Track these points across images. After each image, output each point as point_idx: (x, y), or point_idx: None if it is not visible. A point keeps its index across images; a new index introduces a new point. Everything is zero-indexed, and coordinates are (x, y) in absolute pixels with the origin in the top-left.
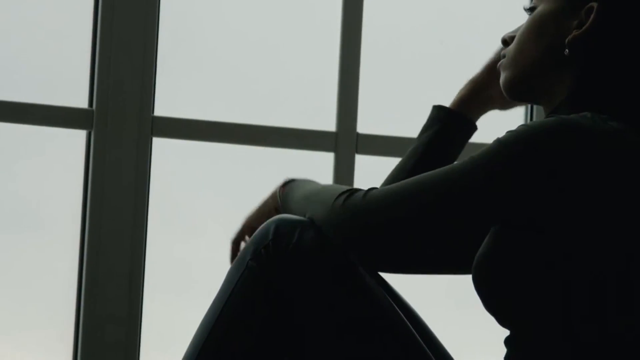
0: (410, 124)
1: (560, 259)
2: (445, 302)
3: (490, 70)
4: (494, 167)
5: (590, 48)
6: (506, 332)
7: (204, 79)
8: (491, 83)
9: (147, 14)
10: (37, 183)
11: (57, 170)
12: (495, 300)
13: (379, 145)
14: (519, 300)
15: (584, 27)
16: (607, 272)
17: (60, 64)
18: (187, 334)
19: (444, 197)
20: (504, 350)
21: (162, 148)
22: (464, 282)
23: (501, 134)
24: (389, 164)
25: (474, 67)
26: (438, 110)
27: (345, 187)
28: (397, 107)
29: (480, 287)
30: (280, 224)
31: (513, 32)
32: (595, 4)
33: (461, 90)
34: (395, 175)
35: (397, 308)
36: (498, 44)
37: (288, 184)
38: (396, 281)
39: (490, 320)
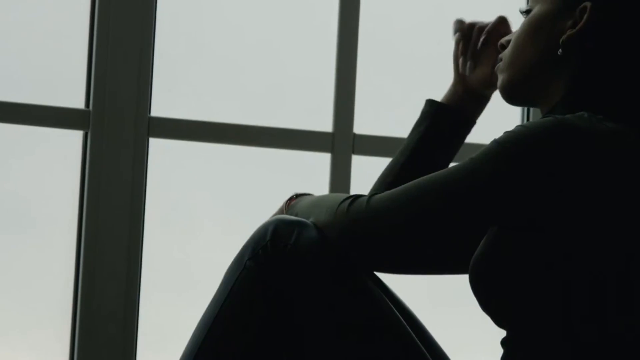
0: (407, 125)
1: (560, 259)
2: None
3: (455, 64)
4: (492, 168)
5: (584, 47)
6: (502, 333)
7: (200, 80)
8: (459, 79)
9: (143, 15)
10: (34, 183)
11: (54, 171)
12: (492, 300)
13: (376, 145)
14: (518, 301)
15: (577, 27)
16: (607, 272)
17: (57, 64)
18: (184, 334)
19: (444, 199)
20: (500, 350)
21: (159, 148)
22: (460, 282)
23: (498, 134)
24: (385, 164)
25: None
26: (429, 105)
27: (348, 194)
28: (394, 108)
29: (478, 288)
30: (279, 224)
31: (509, 35)
32: (588, 4)
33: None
34: (387, 174)
35: (394, 308)
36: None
37: (295, 199)
38: (393, 281)
39: (487, 320)
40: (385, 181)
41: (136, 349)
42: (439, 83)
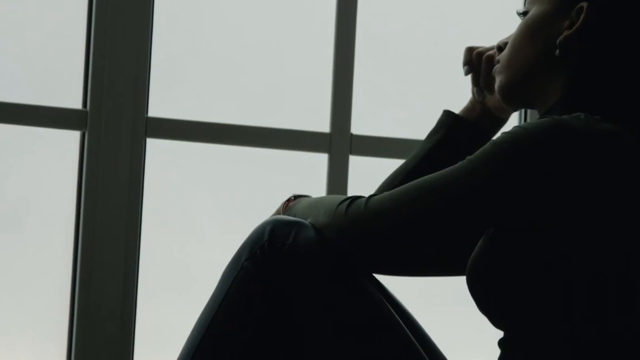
0: (404, 125)
1: (558, 260)
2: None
3: (473, 86)
4: (490, 169)
5: (581, 48)
6: (499, 333)
7: (198, 80)
8: (478, 100)
9: (141, 15)
10: (31, 183)
11: (51, 171)
12: (490, 301)
13: (373, 146)
14: (516, 301)
15: (574, 27)
16: (606, 272)
17: (54, 64)
18: (182, 334)
19: (443, 200)
20: (497, 351)
21: (156, 149)
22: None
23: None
24: (383, 165)
25: None
26: (446, 115)
27: (347, 196)
28: (391, 108)
29: (475, 289)
30: (276, 224)
31: (506, 38)
32: (585, 4)
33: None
34: (395, 177)
35: (391, 309)
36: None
37: (293, 200)
38: (391, 282)
39: (484, 320)
40: (391, 185)
41: (133, 349)
42: (437, 83)
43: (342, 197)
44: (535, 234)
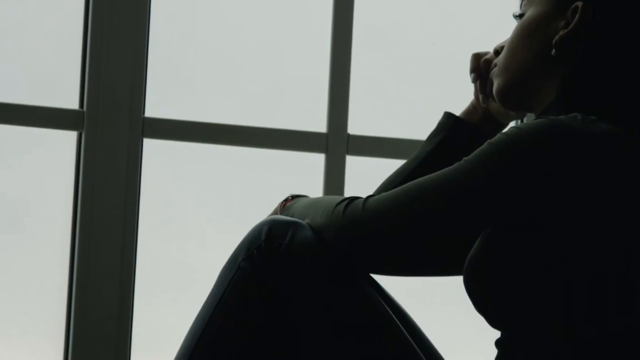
0: (401, 126)
1: (556, 260)
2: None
3: (476, 90)
4: (486, 170)
5: (576, 47)
6: (496, 333)
7: (194, 81)
8: (480, 104)
9: (137, 15)
10: (28, 184)
11: (48, 171)
12: (488, 301)
13: (370, 146)
14: (514, 301)
15: (569, 27)
16: (605, 272)
17: (51, 64)
18: (179, 335)
19: (440, 201)
20: (494, 350)
21: (153, 149)
22: (453, 282)
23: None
24: (379, 165)
25: (466, 68)
26: (447, 117)
27: (344, 197)
28: (388, 109)
29: (473, 289)
30: (273, 224)
31: (503, 42)
32: (580, 3)
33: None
34: (394, 178)
35: (388, 309)
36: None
37: (290, 200)
38: (388, 282)
39: (481, 320)
40: (390, 186)
41: (131, 349)
42: (435, 83)
43: (340, 197)
44: (532, 234)
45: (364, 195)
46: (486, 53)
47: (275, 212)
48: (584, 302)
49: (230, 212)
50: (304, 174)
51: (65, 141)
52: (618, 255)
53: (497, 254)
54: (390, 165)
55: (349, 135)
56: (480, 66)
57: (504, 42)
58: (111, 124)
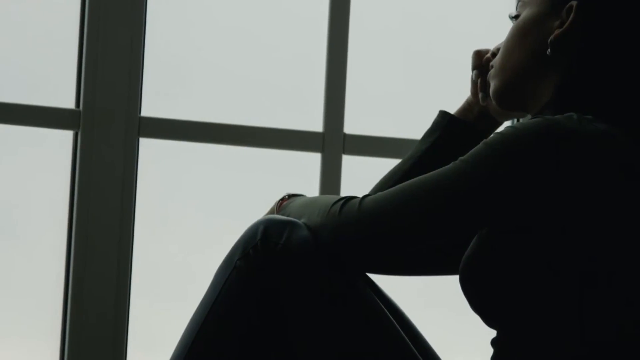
0: (397, 125)
1: (553, 259)
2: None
3: (472, 84)
4: (482, 170)
5: (571, 46)
6: (492, 333)
7: (190, 80)
8: (477, 101)
9: (134, 15)
10: (24, 183)
11: (43, 171)
12: (483, 301)
13: (366, 145)
14: (509, 301)
15: (564, 26)
16: (599, 272)
17: (47, 64)
18: (175, 335)
19: (436, 201)
20: (490, 350)
21: (149, 148)
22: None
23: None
24: (376, 164)
25: (461, 67)
26: (442, 116)
27: (341, 196)
28: (384, 108)
29: (468, 289)
30: (269, 224)
31: (500, 44)
32: (574, 3)
33: (466, 99)
34: (390, 178)
35: (384, 308)
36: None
37: (287, 199)
38: (384, 281)
39: (477, 320)
40: (386, 186)
41: (127, 350)
42: (431, 83)
43: (336, 197)
44: (528, 235)
45: (360, 195)
46: (487, 50)
47: (271, 212)
48: (576, 302)
49: (226, 212)
50: (300, 173)
51: (61, 141)
52: (611, 256)
53: (493, 254)
54: (387, 165)
55: (345, 134)
56: (483, 64)
57: (500, 44)
58: (107, 124)
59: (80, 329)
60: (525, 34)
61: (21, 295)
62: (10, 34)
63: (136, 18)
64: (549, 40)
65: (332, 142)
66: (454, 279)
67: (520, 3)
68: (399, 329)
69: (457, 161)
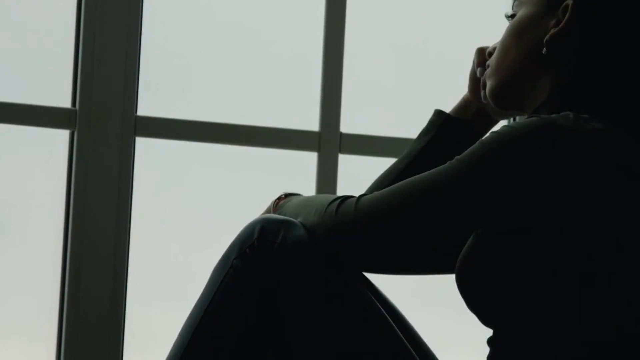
0: (393, 124)
1: (550, 259)
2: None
3: (471, 83)
4: (479, 169)
5: (567, 46)
6: (488, 332)
7: (186, 79)
8: (474, 98)
9: (129, 14)
10: (19, 182)
11: (40, 170)
12: (480, 300)
13: (362, 144)
14: (505, 301)
15: (560, 25)
16: (595, 272)
17: (43, 63)
18: (171, 335)
19: (433, 201)
20: (486, 349)
21: (146, 148)
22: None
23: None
24: (372, 163)
25: (457, 66)
26: (437, 115)
27: (337, 195)
28: (381, 107)
29: (464, 288)
30: (266, 223)
31: (496, 44)
32: (570, 2)
33: (462, 97)
34: (385, 177)
35: (381, 307)
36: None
37: (283, 199)
38: (381, 280)
39: (473, 319)
40: (382, 185)
41: (123, 350)
42: (427, 82)
43: (333, 196)
44: (525, 234)
45: (357, 194)
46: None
47: (268, 211)
48: (573, 302)
49: (222, 211)
50: (297, 173)
51: (57, 140)
52: (613, 255)
53: (490, 253)
54: (383, 164)
55: (341, 133)
56: (487, 61)
57: (496, 43)
58: (103, 123)
59: (77, 329)
60: (521, 33)
61: (17, 295)
62: (5, 33)
63: (132, 16)
64: (545, 39)
65: (329, 141)
66: (450, 278)
67: (516, 2)
68: (396, 328)
69: (453, 160)
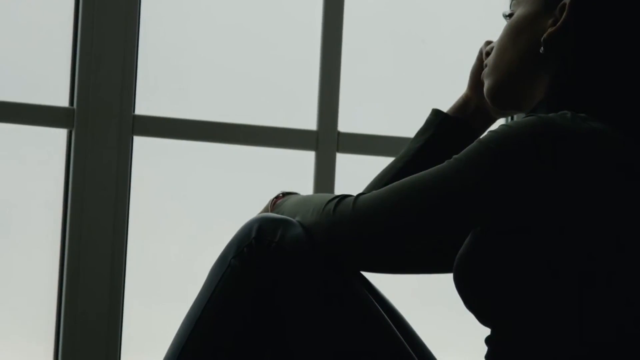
0: (391, 123)
1: (550, 259)
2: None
3: (472, 79)
4: (477, 168)
5: (564, 45)
6: (486, 331)
7: (184, 78)
8: (474, 95)
9: (127, 13)
10: (17, 182)
11: (37, 169)
12: (477, 299)
13: (360, 143)
14: (503, 300)
15: (557, 24)
16: (593, 271)
17: (41, 62)
18: (169, 334)
19: (431, 200)
20: (484, 348)
21: (143, 147)
22: (444, 280)
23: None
24: (369, 162)
25: (455, 66)
26: (435, 114)
27: (335, 194)
28: (378, 106)
29: (462, 287)
30: (263, 222)
31: (494, 43)
32: (568, 1)
33: (461, 95)
34: (383, 176)
35: (379, 307)
36: (477, 49)
37: (281, 198)
38: (379, 280)
39: (471, 318)
40: (379, 184)
41: (120, 349)
42: (425, 81)
43: (331, 195)
44: (524, 234)
45: (355, 193)
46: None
47: (265, 210)
48: (571, 301)
49: (220, 210)
50: (294, 172)
51: (55, 139)
52: (613, 255)
53: (488, 253)
54: (381, 163)
55: (339, 132)
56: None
57: (494, 43)
58: (101, 122)
59: (75, 329)
60: (519, 32)
61: (15, 295)
62: (3, 32)
63: (130, 15)
64: (542, 38)
65: (326, 141)
66: (449, 278)
67: (514, 2)
68: (394, 327)
69: (451, 160)
